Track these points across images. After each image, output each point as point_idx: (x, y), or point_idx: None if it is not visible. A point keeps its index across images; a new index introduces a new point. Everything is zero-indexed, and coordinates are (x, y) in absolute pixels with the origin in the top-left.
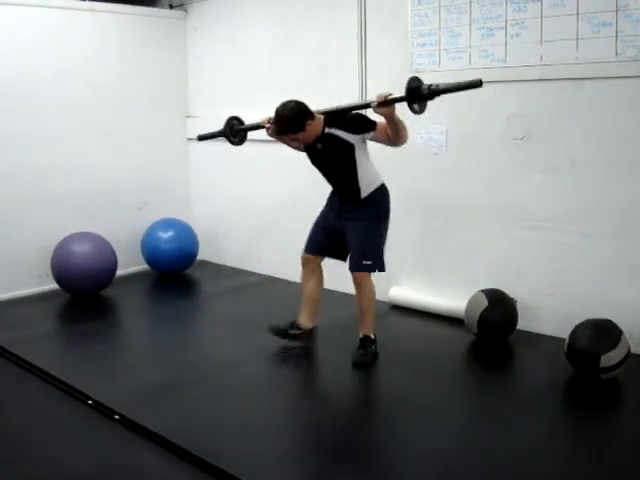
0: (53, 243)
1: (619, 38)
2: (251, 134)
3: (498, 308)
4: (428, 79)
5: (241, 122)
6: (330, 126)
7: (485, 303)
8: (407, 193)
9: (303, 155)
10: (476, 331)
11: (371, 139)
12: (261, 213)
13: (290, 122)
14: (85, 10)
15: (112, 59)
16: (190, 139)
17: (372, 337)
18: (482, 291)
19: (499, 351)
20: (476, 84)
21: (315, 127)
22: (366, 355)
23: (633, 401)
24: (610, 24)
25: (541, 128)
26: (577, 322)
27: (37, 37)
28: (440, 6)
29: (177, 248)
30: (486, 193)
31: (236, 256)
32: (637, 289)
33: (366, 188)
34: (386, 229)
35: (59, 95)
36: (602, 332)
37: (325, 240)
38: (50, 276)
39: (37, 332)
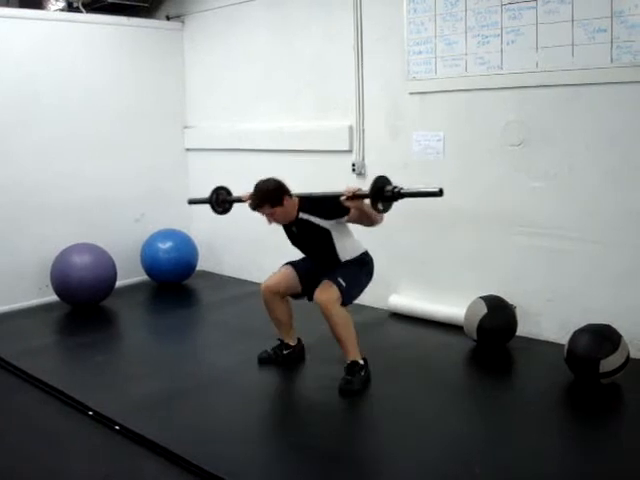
0: (52, 254)
1: (614, 44)
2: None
3: (497, 314)
4: (425, 87)
5: (228, 193)
6: (304, 211)
7: (484, 310)
8: (405, 200)
9: (302, 165)
10: (475, 338)
11: (346, 222)
12: (260, 223)
13: (268, 195)
14: (82, 22)
15: (110, 71)
16: (188, 149)
17: (361, 362)
18: (481, 298)
19: (499, 357)
20: (436, 193)
21: (292, 205)
22: (352, 383)
23: (633, 406)
24: (605, 30)
25: (538, 134)
26: (576, 328)
27: (34, 49)
28: (436, 14)
29: (176, 258)
30: (484, 200)
31: (235, 266)
32: (636, 295)
33: (346, 257)
34: (363, 276)
35: (57, 107)
36: (601, 337)
37: (305, 268)
38: (50, 287)
39: (37, 343)
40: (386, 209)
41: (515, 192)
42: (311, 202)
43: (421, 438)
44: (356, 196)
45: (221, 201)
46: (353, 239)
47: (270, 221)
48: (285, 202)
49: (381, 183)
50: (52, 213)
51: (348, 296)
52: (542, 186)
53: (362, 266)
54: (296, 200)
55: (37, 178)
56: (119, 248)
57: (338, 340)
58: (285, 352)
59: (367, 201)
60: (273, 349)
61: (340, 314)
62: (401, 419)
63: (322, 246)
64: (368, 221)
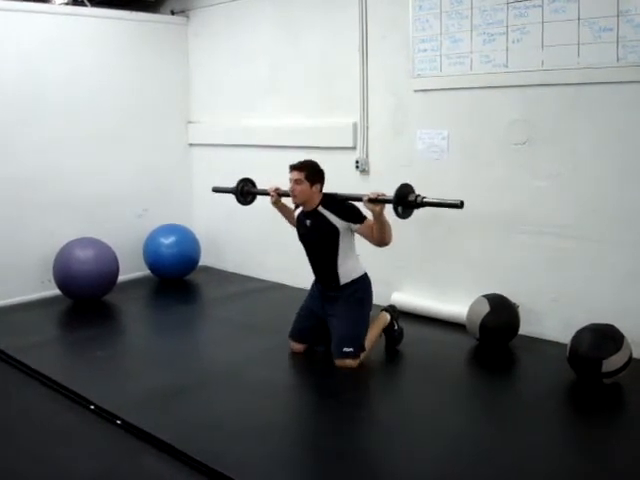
0: (55, 249)
1: (620, 43)
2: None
3: (500, 313)
4: (430, 84)
5: (253, 184)
6: (324, 206)
7: (487, 308)
8: None
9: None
10: (478, 336)
11: (357, 231)
12: (264, 219)
13: (312, 166)
14: (87, 16)
15: (114, 65)
16: (192, 145)
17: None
18: (484, 296)
19: (501, 356)
20: (457, 205)
21: (316, 194)
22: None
23: (635, 405)
24: (611, 29)
25: (543, 133)
26: (579, 327)
27: (40, 43)
28: (441, 12)
29: (179, 253)
30: (488, 198)
31: (238, 262)
32: (639, 294)
33: (345, 276)
34: (367, 315)
35: (61, 101)
36: (604, 337)
37: (308, 329)
38: (52, 282)
39: (39, 338)
40: (405, 216)
41: (519, 191)
42: (333, 200)
43: (422, 436)
44: (379, 200)
45: (246, 192)
46: (355, 258)
47: (292, 190)
48: (314, 186)
49: (405, 190)
50: (55, 208)
51: (361, 351)
52: (546, 185)
53: (361, 309)
54: (321, 195)
55: (40, 173)
56: (122, 243)
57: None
58: None
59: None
60: None
61: (354, 365)
62: (402, 417)
63: (326, 249)
64: (379, 236)
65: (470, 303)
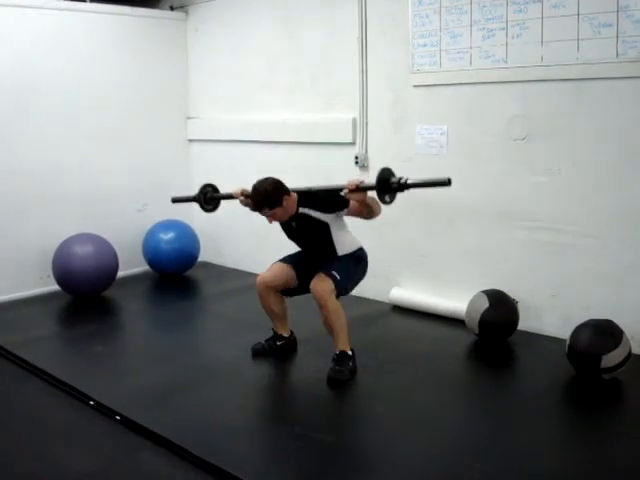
0: (54, 244)
1: (620, 39)
2: (261, 132)
3: (499, 309)
4: (429, 80)
5: (215, 190)
6: (304, 206)
7: (486, 304)
8: (408, 194)
9: (305, 156)
10: (477, 332)
11: (345, 215)
12: (262, 216)
13: (268, 197)
14: (86, 11)
15: (113, 60)
16: (191, 140)
17: (349, 353)
18: (483, 292)
19: (500, 352)
20: (444, 183)
21: (291, 202)
22: (342, 372)
23: (634, 401)
24: (611, 25)
25: (542, 129)
26: (578, 323)
27: (38, 38)
28: (441, 7)
29: (178, 249)
30: (487, 194)
31: (237, 258)
32: (638, 290)
33: (342, 250)
34: (359, 277)
35: (60, 96)
36: (603, 332)
37: (296, 263)
38: (51, 277)
39: (38, 333)
40: (392, 200)
41: (518, 186)
42: (311, 196)
43: (421, 432)
44: (359, 189)
45: (209, 198)
46: (350, 234)
47: (270, 221)
48: (284, 202)
49: (386, 175)
50: (54, 203)
51: (342, 288)
52: (546, 181)
53: (357, 262)
54: (295, 196)
55: (39, 168)
56: (121, 238)
57: (330, 330)
58: (279, 343)
59: (370, 193)
60: (267, 341)
61: (334, 305)
62: (401, 413)
63: (320, 240)
64: (367, 213)
65: (469, 299)
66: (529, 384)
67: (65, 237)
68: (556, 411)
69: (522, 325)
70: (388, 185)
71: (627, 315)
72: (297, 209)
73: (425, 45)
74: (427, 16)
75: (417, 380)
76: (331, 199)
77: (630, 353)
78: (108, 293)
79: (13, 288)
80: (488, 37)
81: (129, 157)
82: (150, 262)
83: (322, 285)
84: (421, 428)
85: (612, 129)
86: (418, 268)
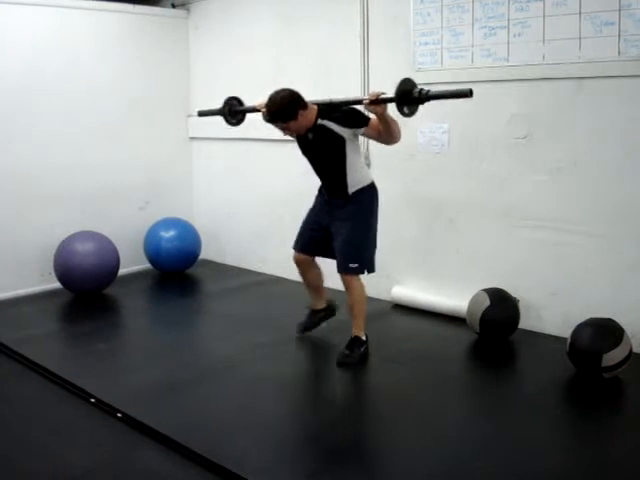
0: (56, 242)
1: (622, 37)
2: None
3: (500, 307)
4: (431, 78)
5: (240, 103)
6: (323, 117)
7: (487, 302)
8: (409, 192)
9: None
10: (478, 330)
11: (363, 134)
12: (264, 212)
13: (281, 110)
14: (87, 9)
15: (114, 58)
16: (192, 138)
17: (363, 338)
18: (484, 290)
19: (501, 350)
20: (466, 94)
21: (307, 117)
22: (351, 356)
23: (635, 400)
24: (613, 23)
25: (543, 127)
26: (579, 321)
27: (39, 36)
28: (442, 5)
29: (179, 247)
30: (488, 192)
31: (238, 255)
32: (639, 288)
33: (353, 185)
34: (373, 229)
35: (61, 94)
36: (604, 331)
37: (313, 239)
38: (53, 275)
39: (40, 331)
40: (412, 112)
41: (519, 185)
42: (331, 108)
43: (422, 430)
44: (379, 100)
45: (234, 112)
46: (364, 165)
47: (285, 133)
48: (299, 116)
49: (407, 86)
50: (56, 201)
51: (363, 269)
52: (546, 179)
53: (367, 220)
54: (314, 108)
55: (41, 166)
56: (122, 236)
57: (352, 313)
58: (319, 317)
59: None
60: (308, 317)
61: (359, 290)
62: (402, 411)
63: (333, 159)
64: (386, 133)
65: (470, 297)
66: (530, 383)
67: (66, 235)
68: (557, 410)
69: (523, 324)
70: (408, 96)
71: (628, 314)
72: (316, 121)
73: (427, 43)
74: (429, 14)
75: (417, 378)
76: (353, 113)
77: (631, 352)
78: (109, 291)
79: (14, 285)
80: (490, 35)
81: (131, 154)
82: (151, 260)
83: (344, 277)
84: (421, 427)
85: (614, 128)
86: (419, 266)
